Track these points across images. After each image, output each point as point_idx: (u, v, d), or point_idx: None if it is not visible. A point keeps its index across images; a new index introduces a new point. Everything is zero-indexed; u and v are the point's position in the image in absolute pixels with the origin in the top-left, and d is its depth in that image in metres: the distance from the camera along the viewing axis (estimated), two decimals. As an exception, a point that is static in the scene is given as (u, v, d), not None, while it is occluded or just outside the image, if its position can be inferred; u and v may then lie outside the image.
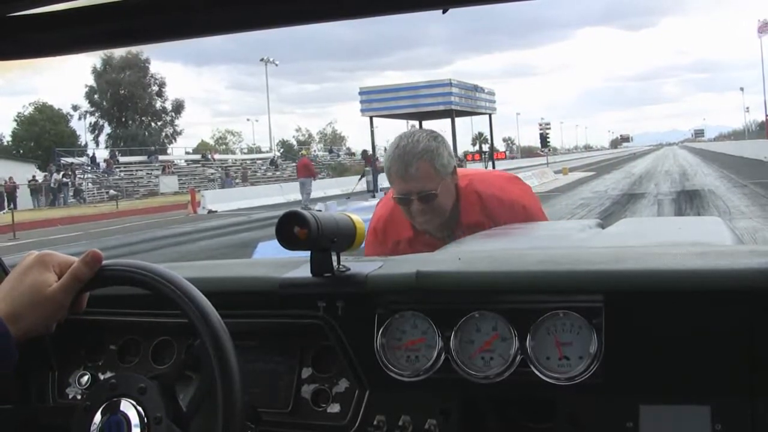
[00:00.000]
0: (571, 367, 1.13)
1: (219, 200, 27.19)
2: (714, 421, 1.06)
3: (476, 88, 23.56)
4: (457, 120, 24.46)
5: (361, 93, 22.10)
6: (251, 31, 1.02)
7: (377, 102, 21.91)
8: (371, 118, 22.52)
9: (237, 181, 44.65)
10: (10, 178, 35.20)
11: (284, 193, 28.63)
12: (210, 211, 25.31)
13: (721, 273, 1.11)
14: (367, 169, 23.98)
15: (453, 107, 21.48)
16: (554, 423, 1.15)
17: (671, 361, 1.10)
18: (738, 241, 1.96)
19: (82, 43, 1.06)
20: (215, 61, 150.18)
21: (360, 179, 22.15)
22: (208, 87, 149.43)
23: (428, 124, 24.56)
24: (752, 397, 1.06)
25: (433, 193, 2.10)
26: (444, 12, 0.95)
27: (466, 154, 28.26)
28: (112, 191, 39.76)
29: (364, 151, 31.45)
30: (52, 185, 37.71)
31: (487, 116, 26.05)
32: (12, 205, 31.11)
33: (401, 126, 23.55)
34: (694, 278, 1.12)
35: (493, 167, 21.00)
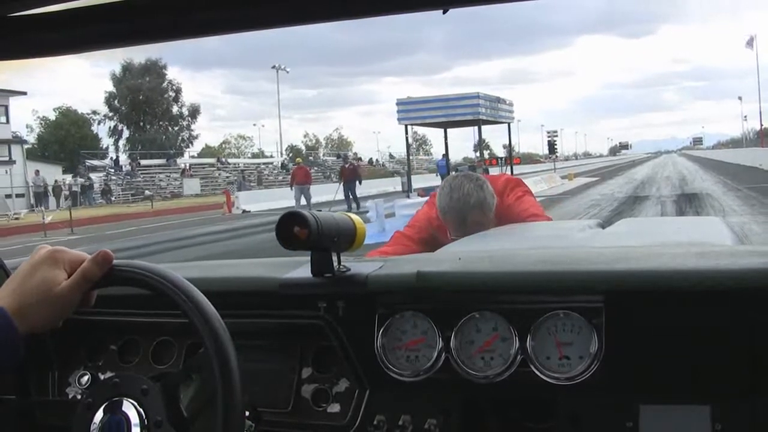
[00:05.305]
0: (571, 367, 1.13)
1: (251, 201, 28.29)
2: (714, 421, 1.06)
3: (499, 100, 25.27)
4: (459, 129, 25.81)
5: (398, 103, 23.87)
6: (251, 30, 1.02)
7: (412, 112, 23.85)
8: (406, 126, 24.48)
9: (252, 184, 45.37)
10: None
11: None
12: (244, 211, 26.10)
13: (721, 273, 1.11)
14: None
15: (480, 117, 23.20)
16: (554, 423, 1.15)
17: (671, 361, 1.10)
18: (738, 241, 1.97)
19: (83, 43, 1.06)
20: (212, 66, 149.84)
21: (338, 187, 23.19)
22: (204, 91, 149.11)
23: (456, 132, 27.26)
24: (752, 397, 1.06)
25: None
26: (444, 12, 0.95)
27: (481, 159, 29.68)
28: (147, 191, 40.99)
29: (344, 157, 32.77)
30: (84, 185, 39.09)
31: (497, 124, 27.45)
32: (44, 205, 32.04)
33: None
34: (694, 278, 1.11)
35: (512, 172, 22.09)
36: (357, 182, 23.85)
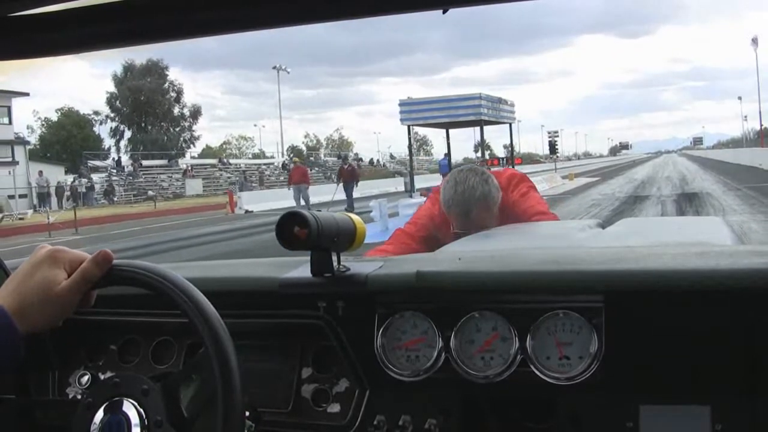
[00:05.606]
0: (571, 367, 1.13)
1: (253, 201, 28.61)
2: (714, 421, 1.06)
3: (500, 101, 25.25)
4: (460, 129, 25.88)
5: (400, 104, 23.75)
6: (251, 30, 1.02)
7: (415, 112, 23.76)
8: (409, 126, 24.44)
9: (254, 184, 45.63)
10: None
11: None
12: (247, 211, 26.37)
13: (721, 273, 1.11)
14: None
15: (482, 117, 23.20)
16: (554, 423, 1.15)
17: (671, 361, 1.10)
18: (738, 240, 1.97)
19: (83, 43, 1.06)
20: (211, 66, 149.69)
21: (337, 187, 23.32)
22: (204, 92, 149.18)
23: (456, 132, 27.32)
24: (752, 397, 1.06)
25: (489, 228, 2.40)
26: (444, 12, 0.95)
27: (484, 159, 30.05)
28: (150, 192, 41.51)
29: (344, 158, 33.41)
30: (86, 186, 39.66)
31: (498, 125, 27.53)
32: (48, 206, 32.68)
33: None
34: (694, 278, 1.11)
35: (512, 171, 22.41)
36: (354, 183, 23.87)
